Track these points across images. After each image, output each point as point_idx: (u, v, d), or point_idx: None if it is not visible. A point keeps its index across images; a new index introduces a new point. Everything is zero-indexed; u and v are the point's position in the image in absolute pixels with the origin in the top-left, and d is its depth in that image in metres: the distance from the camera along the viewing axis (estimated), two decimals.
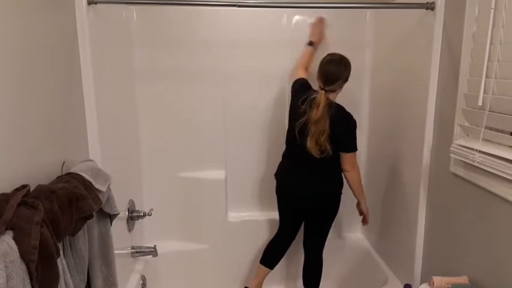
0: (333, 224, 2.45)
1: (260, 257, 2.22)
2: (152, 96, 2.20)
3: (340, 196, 2.05)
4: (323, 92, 1.84)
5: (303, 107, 1.89)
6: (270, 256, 2.21)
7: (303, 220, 2.14)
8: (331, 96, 1.89)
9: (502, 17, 1.22)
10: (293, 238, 2.20)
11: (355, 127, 1.89)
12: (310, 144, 1.85)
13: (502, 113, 1.23)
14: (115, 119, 1.75)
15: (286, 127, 2.35)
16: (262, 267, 2.20)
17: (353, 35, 2.26)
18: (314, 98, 1.86)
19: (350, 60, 2.28)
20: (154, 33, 2.13)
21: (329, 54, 1.91)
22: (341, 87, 1.91)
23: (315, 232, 2.11)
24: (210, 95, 2.24)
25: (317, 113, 1.82)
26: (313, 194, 2.00)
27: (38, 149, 1.10)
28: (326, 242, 2.14)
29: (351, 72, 2.32)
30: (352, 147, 1.90)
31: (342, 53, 2.26)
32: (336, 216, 2.47)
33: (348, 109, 2.29)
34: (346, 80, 1.90)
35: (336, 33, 2.24)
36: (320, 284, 2.18)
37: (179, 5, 1.99)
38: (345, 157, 1.91)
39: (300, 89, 2.00)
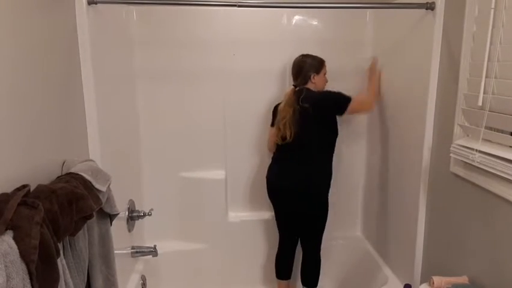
0: (332, 223, 2.46)
1: (263, 260, 2.27)
2: (153, 96, 2.20)
3: (316, 194, 2.04)
4: (292, 87, 2.05)
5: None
6: (282, 269, 2.24)
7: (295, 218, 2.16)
8: (309, 86, 2.02)
9: (502, 17, 1.22)
10: (295, 242, 2.21)
11: (328, 93, 1.99)
12: (275, 131, 2.04)
13: (501, 113, 1.23)
14: (115, 119, 1.75)
15: None
16: (280, 281, 2.24)
17: (352, 35, 2.26)
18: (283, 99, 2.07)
19: (350, 59, 2.29)
20: (154, 33, 2.13)
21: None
22: (309, 78, 2.00)
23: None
24: (210, 95, 2.24)
25: (283, 103, 2.02)
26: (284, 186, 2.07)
27: (38, 149, 1.10)
28: (325, 242, 2.15)
29: (350, 72, 2.32)
30: (342, 104, 1.94)
31: (343, 53, 2.28)
32: (336, 216, 2.48)
33: None
34: (312, 70, 2.00)
35: (336, 33, 2.24)
36: (320, 284, 2.18)
37: (179, 5, 1.99)
38: (349, 112, 1.96)
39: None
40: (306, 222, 2.08)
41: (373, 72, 2.13)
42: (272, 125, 2.15)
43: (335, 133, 2.06)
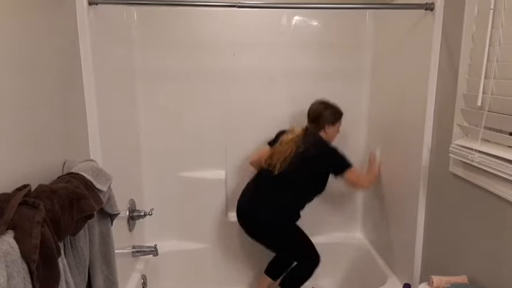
0: (332, 223, 2.46)
1: (263, 260, 2.25)
2: (153, 96, 2.20)
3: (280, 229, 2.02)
4: (304, 126, 2.06)
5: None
6: (270, 267, 2.24)
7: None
8: (321, 134, 2.05)
9: (501, 17, 1.22)
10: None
11: (335, 151, 1.99)
12: (268, 154, 2.03)
13: (501, 113, 1.23)
14: (115, 119, 1.76)
15: (287, 127, 2.36)
16: (264, 276, 2.23)
17: (352, 35, 2.27)
18: (290, 130, 2.07)
19: (350, 60, 2.30)
20: (155, 34, 2.14)
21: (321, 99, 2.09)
22: (323, 127, 2.03)
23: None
24: (210, 95, 2.25)
25: (287, 137, 2.02)
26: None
27: (39, 148, 1.10)
28: (325, 242, 2.15)
29: (350, 73, 2.33)
30: (342, 167, 1.97)
31: (342, 54, 2.29)
32: (336, 216, 2.48)
33: (347, 109, 2.30)
34: (329, 121, 2.03)
35: (336, 34, 2.25)
36: (320, 284, 2.18)
37: (180, 6, 2.00)
38: (345, 179, 2.00)
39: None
40: (269, 247, 2.10)
41: (372, 163, 2.18)
42: (270, 144, 2.14)
43: (320, 189, 2.08)
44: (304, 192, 2.05)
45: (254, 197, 2.03)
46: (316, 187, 2.07)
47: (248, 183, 2.12)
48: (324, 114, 2.03)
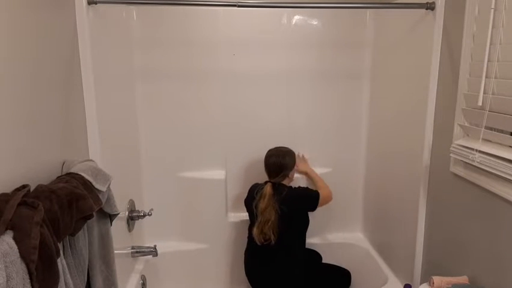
0: (332, 223, 2.46)
1: None
2: (152, 96, 2.20)
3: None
4: (269, 183, 2.03)
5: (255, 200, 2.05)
6: None
7: None
8: (285, 182, 2.08)
9: (502, 17, 1.22)
10: None
11: (301, 193, 2.06)
12: (256, 231, 2.01)
13: (501, 113, 1.23)
14: (115, 119, 1.75)
15: (287, 126, 2.36)
16: None
17: (352, 35, 2.26)
18: (262, 188, 2.04)
19: (350, 60, 2.30)
20: (154, 33, 2.13)
21: (271, 149, 2.10)
22: (287, 175, 2.07)
23: None
24: (210, 95, 2.24)
25: (263, 203, 1.98)
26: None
27: (38, 148, 1.10)
28: (325, 242, 2.16)
29: (350, 72, 2.33)
30: (315, 201, 2.04)
31: (343, 54, 2.28)
32: (336, 216, 2.48)
33: (347, 109, 2.30)
34: (290, 167, 2.06)
35: (336, 33, 2.24)
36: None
37: (179, 5, 1.99)
38: (320, 206, 2.06)
39: (252, 187, 2.16)
40: None
41: (305, 168, 2.29)
42: (246, 202, 2.14)
43: (307, 224, 2.12)
44: (301, 240, 2.11)
45: (267, 275, 2.06)
46: (305, 227, 2.11)
47: (252, 258, 2.14)
48: (285, 166, 2.04)
